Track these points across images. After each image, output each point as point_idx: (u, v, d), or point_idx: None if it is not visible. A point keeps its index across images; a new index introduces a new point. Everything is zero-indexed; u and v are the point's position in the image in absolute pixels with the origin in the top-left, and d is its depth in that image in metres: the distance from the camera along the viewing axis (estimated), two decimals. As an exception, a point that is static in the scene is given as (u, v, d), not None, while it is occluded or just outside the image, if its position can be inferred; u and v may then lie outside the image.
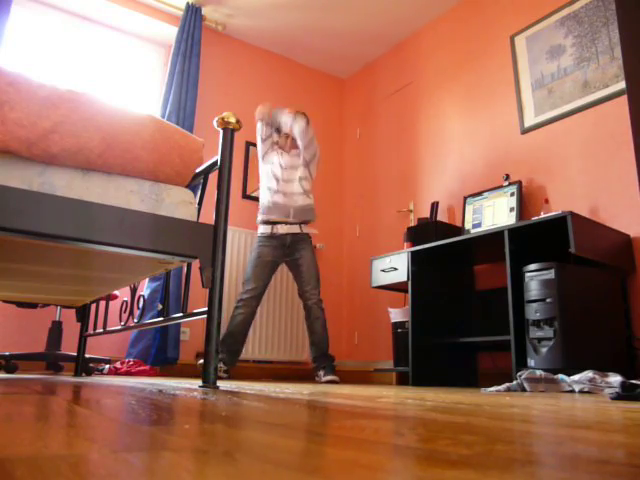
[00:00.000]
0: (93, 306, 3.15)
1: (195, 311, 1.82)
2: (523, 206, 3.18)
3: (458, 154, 3.81)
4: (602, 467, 0.38)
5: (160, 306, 2.67)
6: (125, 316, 2.59)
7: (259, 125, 3.52)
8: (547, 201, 2.91)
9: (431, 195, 3.94)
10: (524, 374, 2.11)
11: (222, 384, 2.02)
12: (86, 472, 0.34)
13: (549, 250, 2.72)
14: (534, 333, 2.35)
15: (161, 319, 2.09)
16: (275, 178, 3.42)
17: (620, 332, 2.53)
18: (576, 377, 2.04)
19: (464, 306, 3.31)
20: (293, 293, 4.02)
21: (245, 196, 4.28)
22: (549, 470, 0.37)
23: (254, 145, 4.39)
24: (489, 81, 3.69)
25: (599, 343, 2.37)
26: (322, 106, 4.96)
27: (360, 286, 4.43)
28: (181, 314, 1.92)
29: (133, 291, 2.51)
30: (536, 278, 2.39)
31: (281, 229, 3.33)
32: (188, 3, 4.13)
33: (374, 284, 3.48)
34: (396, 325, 3.37)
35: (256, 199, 4.34)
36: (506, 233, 2.68)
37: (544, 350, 2.29)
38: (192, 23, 4.11)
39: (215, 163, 1.87)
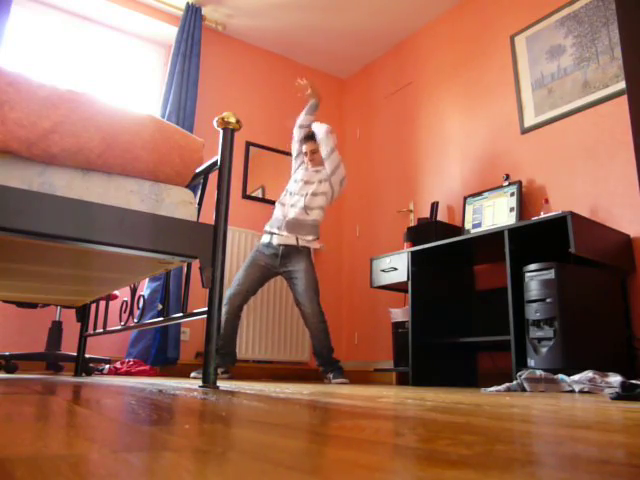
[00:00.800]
0: (93, 306, 3.15)
1: (195, 311, 1.82)
2: (523, 206, 3.18)
3: (458, 154, 3.81)
4: (602, 467, 0.38)
5: (160, 306, 2.67)
6: (125, 316, 2.59)
7: (293, 141, 3.64)
8: (547, 201, 2.91)
9: (431, 195, 3.94)
10: (524, 374, 2.11)
11: (222, 384, 2.02)
12: (86, 472, 0.34)
13: (549, 250, 2.71)
14: (534, 333, 2.35)
15: (161, 319, 2.09)
16: (286, 191, 3.51)
17: (620, 332, 2.52)
18: (576, 377, 2.04)
19: (464, 306, 3.31)
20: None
21: (245, 196, 4.28)
22: (549, 470, 0.37)
23: (254, 145, 4.40)
24: (489, 81, 3.69)
25: (599, 343, 2.37)
26: (322, 106, 4.94)
27: (360, 286, 4.43)
28: (181, 314, 1.92)
29: (133, 291, 2.51)
30: (536, 278, 2.39)
31: (276, 239, 3.33)
32: (188, 3, 4.12)
33: (374, 284, 3.47)
34: (396, 325, 3.37)
35: (256, 199, 4.35)
36: (506, 233, 2.68)
37: (544, 350, 2.29)
38: (192, 23, 4.11)
39: (215, 163, 1.87)
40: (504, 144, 3.48)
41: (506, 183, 3.22)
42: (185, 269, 2.04)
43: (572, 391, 2.01)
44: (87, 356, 3.02)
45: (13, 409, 0.76)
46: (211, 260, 1.72)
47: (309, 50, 4.73)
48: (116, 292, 3.19)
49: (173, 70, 4.03)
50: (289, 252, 3.32)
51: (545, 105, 3.26)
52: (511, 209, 3.12)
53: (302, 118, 3.63)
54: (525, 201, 3.21)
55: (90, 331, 2.93)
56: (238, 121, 1.87)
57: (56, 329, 3.16)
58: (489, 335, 2.94)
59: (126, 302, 2.65)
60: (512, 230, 2.68)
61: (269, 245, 3.36)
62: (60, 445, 0.44)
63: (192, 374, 3.29)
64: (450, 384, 3.11)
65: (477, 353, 3.34)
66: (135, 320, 2.37)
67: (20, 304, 2.98)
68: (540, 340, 2.33)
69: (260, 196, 4.36)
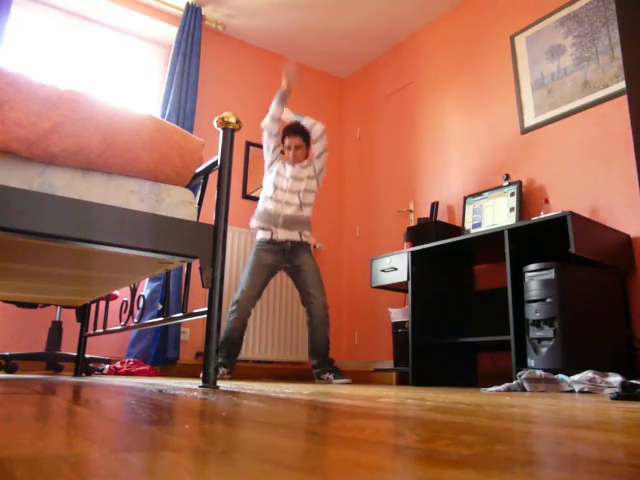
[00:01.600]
0: (93, 306, 3.15)
1: (195, 311, 1.82)
2: (523, 206, 3.18)
3: (458, 154, 3.81)
4: (602, 467, 0.38)
5: (160, 306, 2.67)
6: (125, 316, 2.59)
7: (265, 134, 3.47)
8: (547, 201, 2.91)
9: (431, 195, 3.94)
10: (524, 374, 2.11)
11: (222, 384, 2.02)
12: (86, 472, 0.34)
13: (549, 250, 2.71)
14: (534, 333, 2.35)
15: (161, 319, 2.09)
16: (274, 186, 3.36)
17: (620, 332, 2.52)
18: (576, 377, 2.04)
19: (464, 306, 3.31)
20: (293, 293, 4.02)
21: (245, 196, 4.28)
22: (549, 470, 0.37)
23: (254, 145, 4.39)
24: (489, 81, 3.69)
25: (599, 343, 2.37)
26: (322, 106, 4.95)
27: (360, 286, 4.43)
28: (181, 314, 1.92)
29: (133, 291, 2.51)
30: (536, 278, 2.39)
31: (281, 235, 3.28)
32: (188, 3, 4.13)
33: (374, 284, 3.47)
34: (396, 325, 3.37)
35: (256, 199, 4.34)
36: (506, 233, 2.68)
37: (544, 350, 2.29)
38: (192, 23, 4.11)
39: (215, 163, 1.87)
40: (504, 144, 3.48)
41: (506, 183, 3.22)
42: (185, 269, 2.04)
43: (572, 391, 2.01)
44: (87, 356, 3.02)
45: (13, 409, 0.76)
46: (211, 260, 1.72)
47: (309, 50, 4.73)
48: (116, 292, 3.19)
49: (173, 70, 4.03)
50: (295, 247, 3.31)
51: (545, 105, 3.26)
52: (511, 209, 3.12)
53: (274, 109, 3.44)
54: (525, 201, 3.21)
55: (90, 331, 2.93)
56: (238, 121, 1.87)
57: (56, 329, 3.16)
58: (489, 335, 2.94)
59: (126, 302, 2.65)
60: (512, 230, 2.68)
61: (273, 242, 3.29)
62: (60, 445, 0.44)
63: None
64: (450, 384, 3.11)
65: (477, 353, 3.34)
66: (135, 320, 2.37)
67: (20, 304, 2.98)
68: (540, 340, 2.33)
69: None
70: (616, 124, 2.86)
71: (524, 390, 2.08)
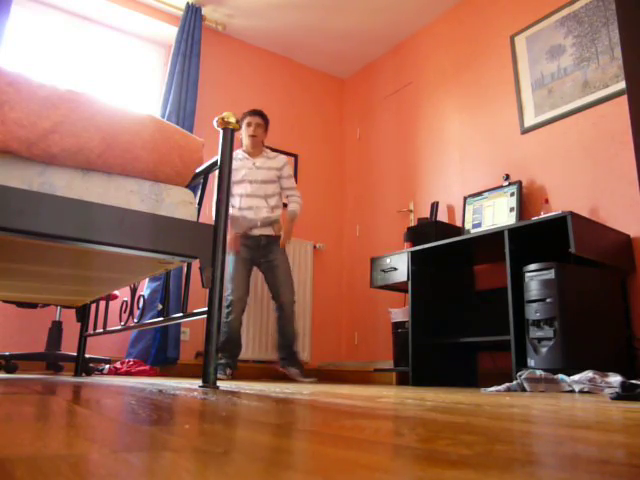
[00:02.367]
0: (93, 306, 3.15)
1: (195, 311, 1.82)
2: (523, 206, 3.18)
3: (458, 154, 3.81)
4: (602, 467, 0.38)
5: (160, 306, 2.67)
6: (125, 316, 2.59)
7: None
8: (547, 201, 2.91)
9: (431, 195, 3.94)
10: (524, 374, 2.11)
11: (222, 384, 2.02)
12: (86, 472, 0.34)
13: (549, 250, 2.71)
14: (534, 333, 2.35)
15: (161, 319, 2.09)
16: (241, 195, 3.37)
17: (620, 332, 2.52)
18: (576, 377, 2.04)
19: (464, 306, 3.31)
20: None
21: (245, 196, 4.27)
22: (549, 470, 0.37)
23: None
24: (489, 81, 3.69)
25: (599, 343, 2.37)
26: (322, 106, 4.96)
27: (360, 286, 4.43)
28: (181, 314, 1.92)
29: (133, 291, 2.51)
30: (536, 278, 2.39)
31: (256, 231, 3.36)
32: (188, 3, 4.13)
33: (374, 284, 3.47)
34: (396, 325, 3.37)
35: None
36: (506, 233, 2.68)
37: (544, 350, 2.29)
38: (192, 23, 4.11)
39: (215, 163, 1.87)
40: (504, 144, 3.48)
41: (506, 183, 3.22)
42: (185, 269, 2.04)
43: (572, 391, 2.01)
44: (87, 356, 3.02)
45: (13, 409, 0.76)
46: (211, 260, 1.72)
47: (309, 50, 4.73)
48: (116, 292, 3.19)
49: (173, 70, 4.03)
50: (269, 242, 3.39)
51: (545, 105, 3.26)
52: (511, 209, 3.12)
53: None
54: (525, 201, 3.21)
55: (90, 331, 2.93)
56: (238, 121, 1.87)
57: (56, 329, 3.16)
58: (489, 335, 2.94)
59: (126, 302, 2.65)
60: (512, 230, 2.68)
61: (247, 236, 3.36)
62: (60, 445, 0.44)
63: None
64: (450, 384, 3.11)
65: (477, 353, 3.34)
66: (135, 320, 2.37)
67: (20, 304, 2.98)
68: (540, 340, 2.33)
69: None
70: (616, 124, 2.86)
71: (524, 390, 2.08)
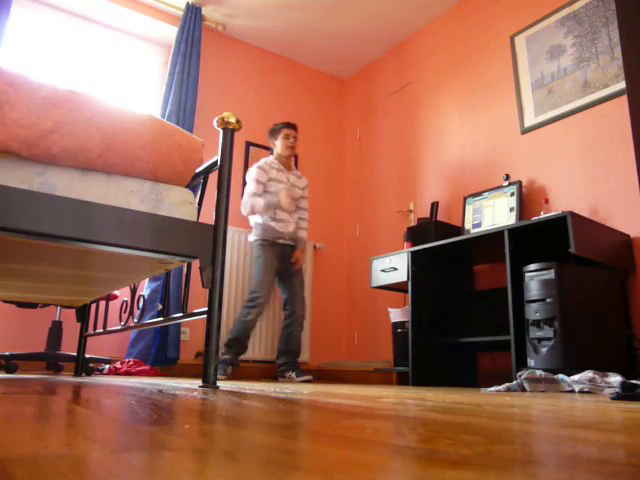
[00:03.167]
0: (93, 306, 3.15)
1: (195, 311, 1.82)
2: (523, 206, 3.18)
3: (458, 154, 3.81)
4: (602, 467, 0.38)
5: (160, 306, 2.67)
6: (125, 316, 2.59)
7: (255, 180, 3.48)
8: (547, 201, 2.91)
9: (431, 195, 3.94)
10: (524, 374, 2.11)
11: (222, 384, 2.02)
12: (86, 472, 0.34)
13: (549, 250, 2.71)
14: (534, 333, 2.35)
15: (161, 319, 2.09)
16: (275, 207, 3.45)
17: (620, 332, 2.52)
18: (576, 377, 2.04)
19: (464, 306, 3.31)
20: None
21: (245, 196, 4.28)
22: (549, 470, 0.37)
23: (254, 145, 4.39)
24: (489, 81, 3.69)
25: (599, 343, 2.37)
26: (322, 106, 4.96)
27: (360, 286, 4.43)
28: (181, 314, 1.92)
29: (133, 291, 2.51)
30: (536, 278, 2.39)
31: (282, 241, 3.48)
32: (188, 3, 4.13)
33: (374, 284, 3.47)
34: (396, 325, 3.37)
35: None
36: (506, 233, 2.68)
37: (544, 350, 2.29)
38: (192, 23, 4.11)
39: (215, 163, 1.87)
40: (504, 144, 3.48)
41: (506, 183, 3.22)
42: (185, 269, 2.04)
43: (572, 391, 2.01)
44: (87, 356, 3.02)
45: (13, 409, 0.76)
46: (211, 260, 1.72)
47: (309, 50, 4.73)
48: (116, 292, 3.19)
49: (173, 70, 4.03)
50: (292, 253, 3.53)
51: (545, 105, 3.26)
52: (511, 209, 3.12)
53: (260, 210, 3.41)
54: (525, 201, 3.21)
55: (90, 331, 2.93)
56: (238, 121, 1.87)
57: (56, 329, 3.16)
58: (489, 335, 2.94)
59: (126, 302, 2.65)
60: (512, 230, 2.68)
61: (277, 245, 3.47)
62: (60, 445, 0.44)
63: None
64: (450, 384, 3.11)
65: (477, 353, 3.34)
66: (135, 320, 2.37)
67: (20, 304, 2.98)
68: (540, 340, 2.33)
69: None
70: (616, 124, 2.86)
71: (524, 390, 2.08)
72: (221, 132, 1.86)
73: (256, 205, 3.40)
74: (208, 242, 1.73)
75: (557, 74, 3.23)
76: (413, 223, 3.94)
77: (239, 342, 3.26)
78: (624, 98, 2.80)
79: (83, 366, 2.92)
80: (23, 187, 1.46)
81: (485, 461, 0.39)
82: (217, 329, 1.68)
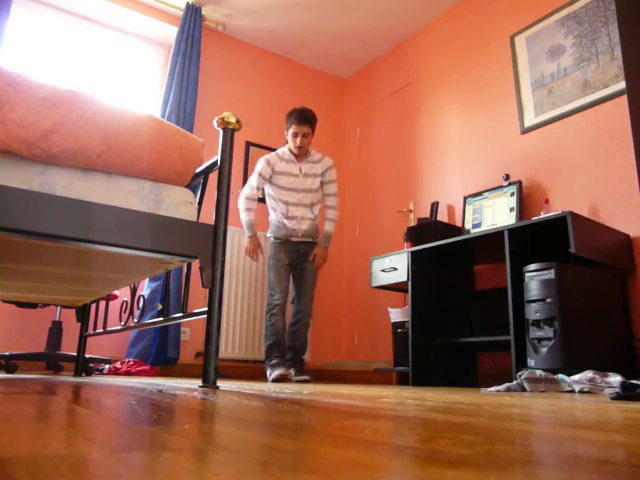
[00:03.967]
0: (93, 306, 3.15)
1: (195, 311, 1.82)
2: (523, 206, 3.18)
3: (458, 154, 3.81)
4: (602, 467, 0.38)
5: (160, 306, 2.67)
6: (125, 316, 2.59)
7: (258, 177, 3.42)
8: (547, 201, 2.91)
9: (431, 195, 3.94)
10: (524, 374, 2.11)
11: (222, 384, 2.02)
12: (86, 472, 0.34)
13: (549, 250, 2.71)
14: (534, 333, 2.35)
15: (161, 319, 2.09)
16: (286, 203, 3.39)
17: (620, 332, 2.52)
18: (576, 377, 2.04)
19: (464, 306, 3.31)
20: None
21: (245, 196, 4.28)
22: (549, 470, 0.37)
23: (254, 145, 4.39)
24: (489, 81, 3.69)
25: (599, 343, 2.37)
26: (322, 106, 4.95)
27: (360, 286, 4.43)
28: (181, 314, 1.92)
29: (133, 291, 2.51)
30: (536, 278, 2.39)
31: (295, 238, 3.40)
32: (188, 3, 4.13)
33: (374, 284, 3.47)
34: (396, 325, 3.37)
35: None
36: (506, 233, 2.68)
37: (544, 350, 2.29)
38: (192, 23, 4.11)
39: (215, 163, 1.87)
40: (504, 144, 3.48)
41: (506, 183, 3.22)
42: (185, 269, 2.04)
43: (572, 391, 2.01)
44: (87, 356, 3.01)
45: (13, 409, 0.76)
46: (211, 260, 1.72)
47: (309, 50, 4.73)
48: (116, 292, 3.19)
49: (173, 70, 4.03)
50: (307, 250, 3.44)
51: (545, 105, 3.26)
52: (511, 209, 3.12)
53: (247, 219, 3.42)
54: (525, 201, 3.21)
55: (90, 331, 2.93)
56: (238, 121, 1.86)
57: (56, 329, 3.16)
58: (489, 335, 2.94)
59: (126, 302, 2.65)
60: (512, 230, 2.68)
61: (288, 243, 3.39)
62: (60, 445, 0.44)
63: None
64: (450, 384, 3.11)
65: (477, 353, 3.33)
66: (135, 320, 2.37)
67: (20, 304, 2.98)
68: (540, 340, 2.33)
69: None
70: (616, 124, 2.86)
71: (524, 390, 2.08)
72: (221, 132, 1.86)
73: (242, 214, 3.43)
74: (208, 242, 1.73)
75: (557, 74, 3.23)
76: (413, 223, 3.94)
77: (278, 345, 3.23)
78: (624, 98, 2.80)
79: (83, 366, 2.92)
80: (23, 187, 1.46)
81: (485, 461, 0.39)
82: (217, 329, 1.68)
